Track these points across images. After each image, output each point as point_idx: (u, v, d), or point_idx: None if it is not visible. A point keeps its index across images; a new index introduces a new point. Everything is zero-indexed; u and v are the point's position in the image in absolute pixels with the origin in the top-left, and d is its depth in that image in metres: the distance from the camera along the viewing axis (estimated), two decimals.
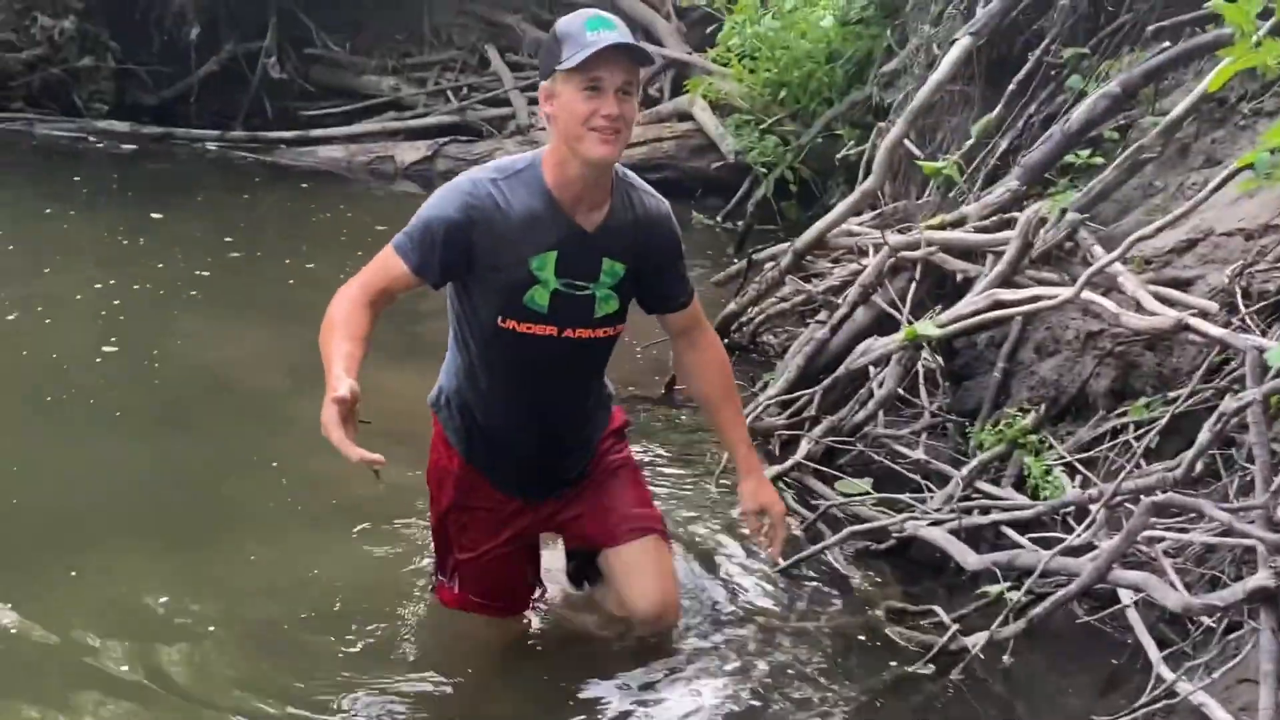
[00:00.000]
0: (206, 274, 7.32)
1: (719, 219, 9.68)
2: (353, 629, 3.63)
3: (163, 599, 3.73)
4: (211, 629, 3.59)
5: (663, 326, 3.49)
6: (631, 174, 3.27)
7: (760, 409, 5.16)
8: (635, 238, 3.19)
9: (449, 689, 3.40)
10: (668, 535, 3.63)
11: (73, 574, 3.86)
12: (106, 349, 5.84)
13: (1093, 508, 3.70)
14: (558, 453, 3.42)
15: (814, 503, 4.58)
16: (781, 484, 4.63)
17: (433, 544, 3.67)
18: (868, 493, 4.53)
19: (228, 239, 8.18)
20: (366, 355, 2.96)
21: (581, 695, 3.40)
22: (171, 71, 12.62)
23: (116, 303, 6.54)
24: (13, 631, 3.49)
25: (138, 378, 5.56)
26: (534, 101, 9.00)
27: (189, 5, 12.15)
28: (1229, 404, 3.47)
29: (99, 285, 6.78)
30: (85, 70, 12.09)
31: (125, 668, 3.38)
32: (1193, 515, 3.49)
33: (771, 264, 6.39)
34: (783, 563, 4.03)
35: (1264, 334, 3.75)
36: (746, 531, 3.95)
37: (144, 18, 12.27)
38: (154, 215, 8.67)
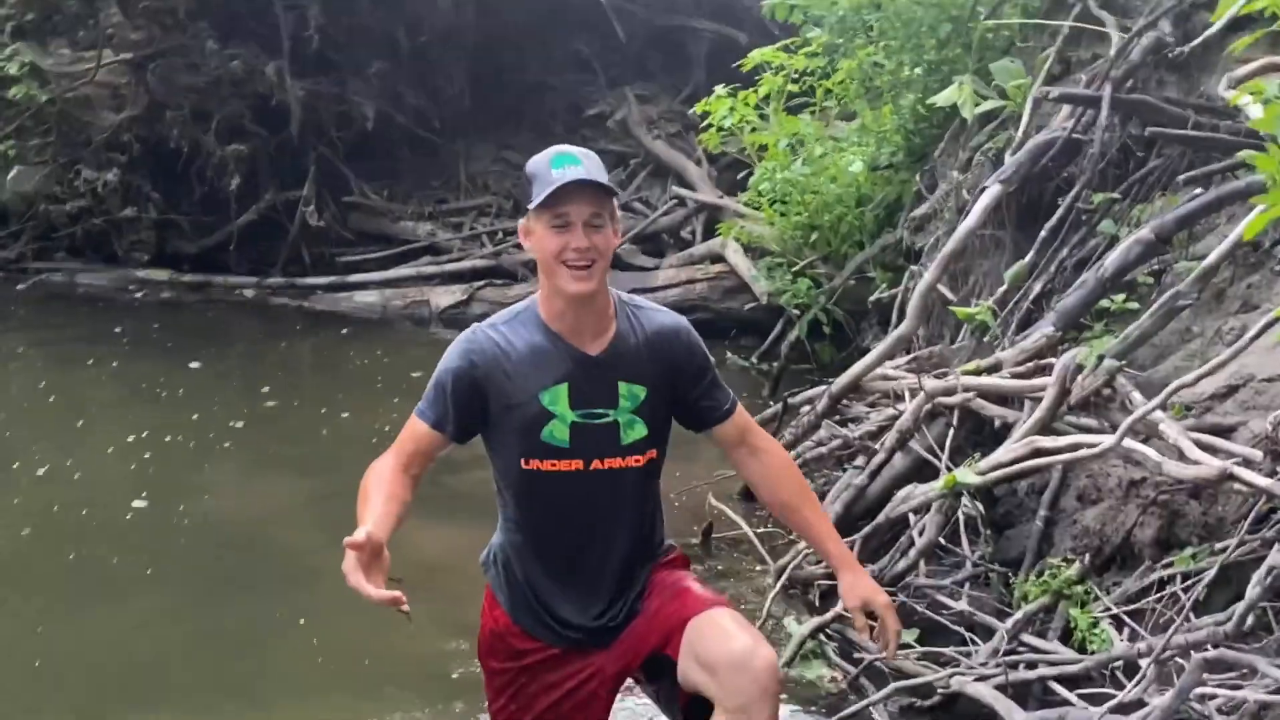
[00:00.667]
0: (240, 424, 7.34)
1: (753, 360, 9.67)
2: None
3: None
4: None
5: (716, 443, 3.33)
6: (637, 298, 3.25)
7: (800, 557, 5.09)
8: (651, 358, 3.14)
9: None
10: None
11: None
12: (137, 503, 5.85)
13: (1142, 663, 3.62)
14: (605, 608, 3.24)
15: (857, 656, 4.48)
16: (823, 636, 4.57)
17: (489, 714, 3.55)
18: (912, 645, 4.44)
19: (264, 388, 8.23)
20: (403, 515, 2.93)
21: None
22: (212, 220, 12.80)
23: (148, 455, 6.56)
24: None
25: (166, 534, 5.56)
26: None
27: (230, 156, 12.38)
28: (1277, 556, 3.40)
29: (132, 438, 6.81)
30: (127, 220, 12.32)
31: None
32: (1245, 671, 3.40)
33: (807, 408, 6.36)
34: (896, 658, 3.75)
35: None
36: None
37: (185, 169, 12.50)
38: (192, 364, 8.74)
